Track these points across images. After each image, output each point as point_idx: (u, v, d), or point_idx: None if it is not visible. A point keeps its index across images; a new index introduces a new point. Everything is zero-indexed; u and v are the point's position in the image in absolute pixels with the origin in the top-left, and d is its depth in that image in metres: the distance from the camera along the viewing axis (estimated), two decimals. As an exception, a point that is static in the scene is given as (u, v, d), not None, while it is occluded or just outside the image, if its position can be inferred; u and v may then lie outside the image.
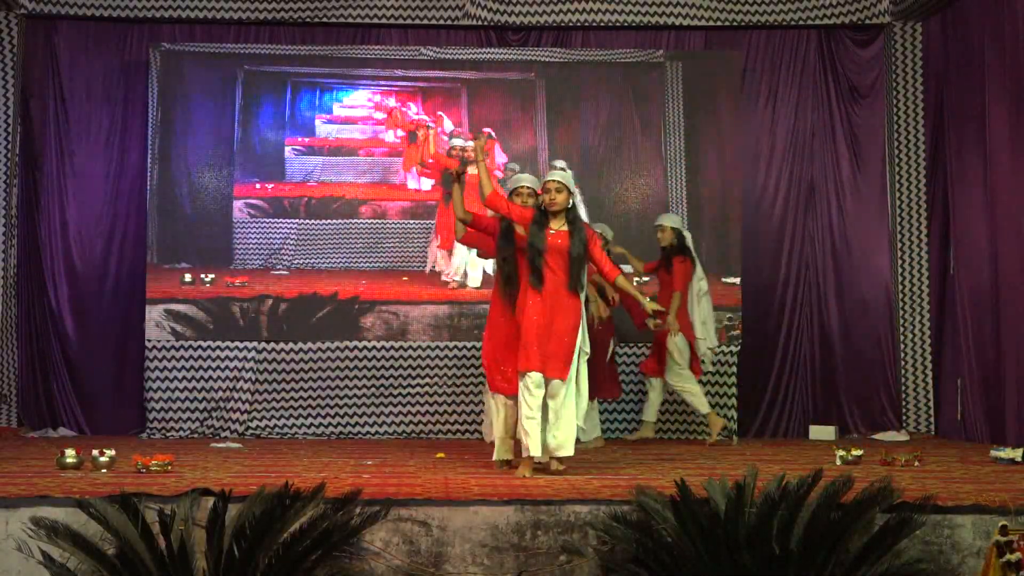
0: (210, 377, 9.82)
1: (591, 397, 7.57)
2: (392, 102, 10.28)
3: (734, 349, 10.01)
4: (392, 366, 10.00)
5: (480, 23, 10.43)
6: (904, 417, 10.19)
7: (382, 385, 10.00)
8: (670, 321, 8.78)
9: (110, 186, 10.18)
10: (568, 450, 6.68)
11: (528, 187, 7.03)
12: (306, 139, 10.21)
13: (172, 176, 10.04)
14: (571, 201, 6.82)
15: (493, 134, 10.20)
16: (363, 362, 9.99)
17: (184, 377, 9.85)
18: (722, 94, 10.29)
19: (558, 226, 6.76)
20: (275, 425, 9.79)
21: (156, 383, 9.77)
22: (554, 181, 6.78)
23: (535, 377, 6.61)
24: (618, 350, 9.40)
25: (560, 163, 8.04)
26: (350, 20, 10.39)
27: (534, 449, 6.60)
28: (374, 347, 9.98)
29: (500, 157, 10.20)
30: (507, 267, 7.00)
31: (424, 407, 9.96)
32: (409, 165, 10.24)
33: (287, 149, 10.19)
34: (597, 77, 10.34)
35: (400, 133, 10.25)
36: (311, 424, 9.89)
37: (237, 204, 10.09)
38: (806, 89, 10.55)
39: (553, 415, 6.66)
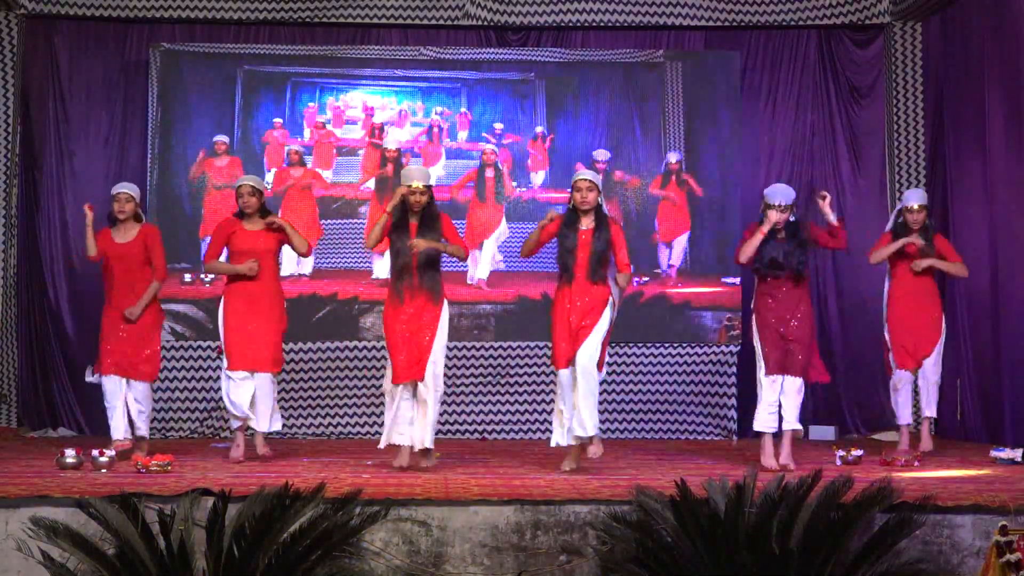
0: (210, 377, 9.81)
1: None
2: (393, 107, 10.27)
3: (734, 349, 10.01)
4: (392, 366, 9.98)
5: (480, 23, 10.43)
6: (904, 417, 10.18)
7: (382, 385, 9.97)
8: None
9: (110, 186, 10.14)
10: (593, 429, 7.01)
11: (420, 185, 7.08)
12: (304, 140, 10.20)
13: (172, 176, 10.03)
14: (600, 199, 7.11)
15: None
16: (363, 362, 9.98)
17: (184, 377, 9.84)
18: (722, 94, 10.28)
19: (587, 224, 7.06)
20: (275, 425, 9.78)
21: (156, 383, 9.74)
22: (585, 180, 7.08)
23: (564, 374, 6.99)
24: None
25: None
26: (350, 20, 10.39)
27: (560, 438, 7.05)
28: (374, 347, 9.96)
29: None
30: (401, 259, 7.16)
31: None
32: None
33: (287, 149, 10.17)
34: (597, 77, 10.33)
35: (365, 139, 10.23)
36: (311, 424, 9.88)
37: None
38: (806, 89, 10.55)
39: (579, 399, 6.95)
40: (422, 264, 7.14)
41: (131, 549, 4.80)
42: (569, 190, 7.20)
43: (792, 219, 7.30)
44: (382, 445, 7.25)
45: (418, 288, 7.14)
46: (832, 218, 7.43)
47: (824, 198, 7.51)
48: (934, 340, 8.29)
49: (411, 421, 7.14)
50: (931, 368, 8.26)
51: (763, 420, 7.27)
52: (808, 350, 7.30)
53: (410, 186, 7.07)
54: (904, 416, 8.36)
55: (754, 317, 7.41)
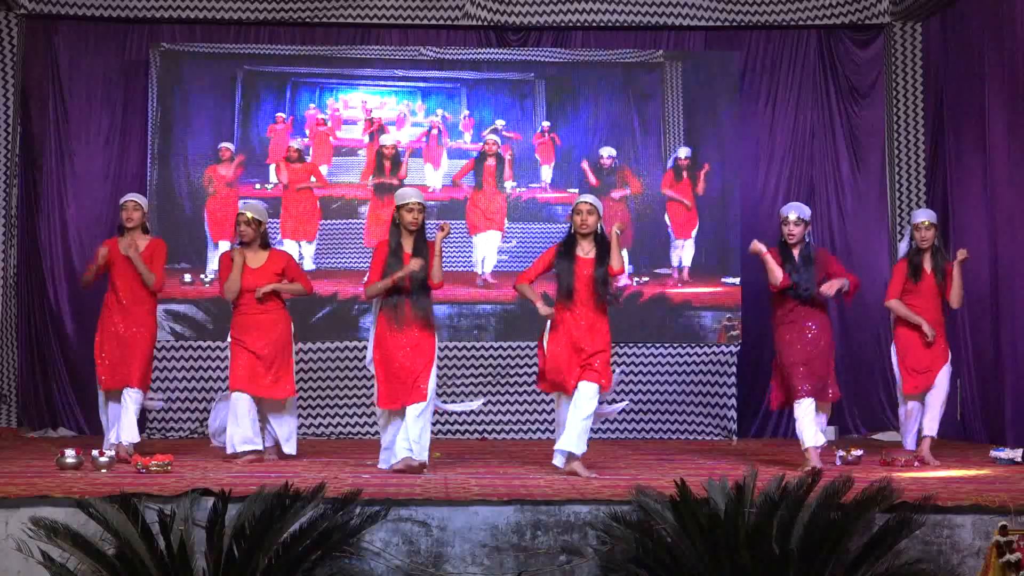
0: (210, 377, 9.81)
1: None
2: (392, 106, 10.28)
3: (734, 349, 10.01)
4: (392, 366, 9.98)
5: (480, 23, 10.43)
6: (904, 417, 10.18)
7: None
8: None
9: (110, 186, 10.18)
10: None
11: (416, 202, 6.95)
12: (306, 139, 10.20)
13: (172, 176, 10.03)
14: (600, 224, 6.94)
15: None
16: (363, 362, 9.96)
17: (184, 377, 9.84)
18: (722, 94, 10.28)
19: (587, 249, 6.90)
20: (275, 425, 9.78)
21: (156, 383, 9.75)
22: (586, 204, 6.91)
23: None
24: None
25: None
26: (350, 20, 10.40)
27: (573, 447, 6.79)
28: (374, 347, 9.95)
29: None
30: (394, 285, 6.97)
31: (424, 407, 9.95)
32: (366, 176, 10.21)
33: (287, 146, 10.15)
34: (597, 77, 10.33)
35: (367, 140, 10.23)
36: (311, 424, 9.88)
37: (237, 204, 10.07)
38: (806, 89, 10.56)
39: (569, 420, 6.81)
40: (415, 290, 6.97)
41: (131, 549, 4.79)
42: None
43: (807, 240, 7.27)
44: (383, 466, 7.00)
45: (411, 316, 6.95)
46: (832, 292, 7.28)
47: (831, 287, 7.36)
48: (941, 363, 7.91)
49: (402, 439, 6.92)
50: (939, 388, 7.88)
51: (811, 436, 7.21)
52: (828, 361, 7.29)
53: (406, 204, 6.93)
54: (909, 443, 8.01)
55: (775, 339, 7.34)
